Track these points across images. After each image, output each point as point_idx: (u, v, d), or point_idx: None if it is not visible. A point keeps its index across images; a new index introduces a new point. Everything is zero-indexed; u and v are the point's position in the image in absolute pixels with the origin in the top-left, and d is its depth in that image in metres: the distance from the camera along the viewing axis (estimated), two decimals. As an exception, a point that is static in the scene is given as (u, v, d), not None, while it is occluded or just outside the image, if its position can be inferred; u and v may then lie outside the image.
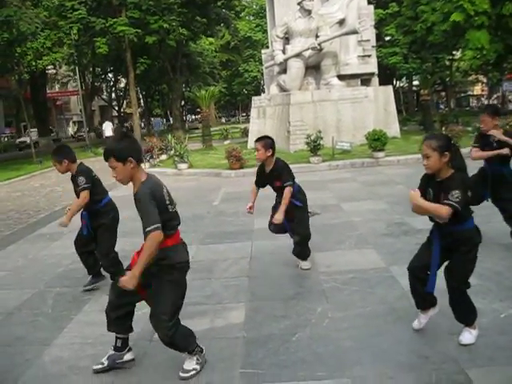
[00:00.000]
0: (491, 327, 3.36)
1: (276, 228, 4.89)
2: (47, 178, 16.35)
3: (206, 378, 3.04)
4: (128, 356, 3.23)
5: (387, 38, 32.88)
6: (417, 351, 3.16)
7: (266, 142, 4.54)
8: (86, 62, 36.38)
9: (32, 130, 29.91)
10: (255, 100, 18.12)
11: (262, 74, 25.52)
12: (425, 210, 3.00)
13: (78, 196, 4.58)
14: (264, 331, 3.61)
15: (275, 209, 4.76)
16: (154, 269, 2.91)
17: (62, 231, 6.74)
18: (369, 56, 17.49)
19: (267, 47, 22.53)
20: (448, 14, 22.71)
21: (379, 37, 27.79)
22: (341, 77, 16.69)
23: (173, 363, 3.18)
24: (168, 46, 32.24)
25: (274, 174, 4.62)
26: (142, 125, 48.91)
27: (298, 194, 4.77)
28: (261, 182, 4.83)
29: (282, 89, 16.87)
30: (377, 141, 12.52)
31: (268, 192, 4.87)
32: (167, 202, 2.90)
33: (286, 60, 16.48)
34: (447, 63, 34.24)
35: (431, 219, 3.14)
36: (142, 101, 50.82)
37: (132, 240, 5.63)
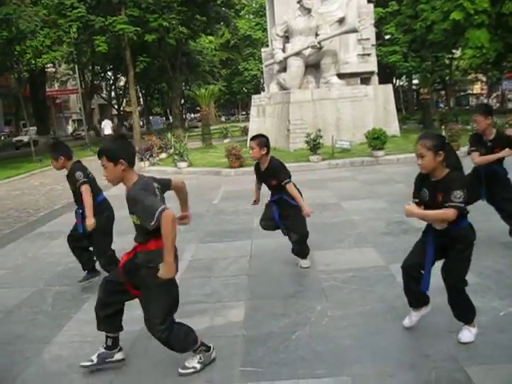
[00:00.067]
0: (491, 325, 3.36)
1: (266, 224, 4.95)
2: (47, 177, 16.32)
3: (206, 376, 3.04)
4: (118, 356, 3.22)
5: (387, 37, 32.90)
6: (416, 349, 3.17)
7: (261, 140, 4.53)
8: (86, 61, 36.39)
9: (31, 128, 29.86)
10: (255, 98, 18.10)
11: (262, 72, 25.54)
12: (431, 219, 3.01)
13: (75, 194, 4.62)
14: (264, 329, 3.61)
15: (268, 207, 4.84)
16: (143, 272, 2.91)
17: (62, 230, 6.74)
18: (368, 55, 17.46)
19: (267, 46, 22.53)
20: (448, 12, 22.74)
21: (379, 35, 27.78)
22: (340, 75, 16.67)
23: (173, 361, 3.18)
24: (168, 45, 32.24)
25: (269, 173, 4.63)
26: (141, 123, 48.89)
27: None
28: (258, 179, 4.87)
29: (282, 87, 16.84)
30: (376, 139, 12.52)
31: (264, 190, 4.90)
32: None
33: (285, 58, 16.45)
34: (447, 62, 34.31)
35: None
36: (141, 99, 50.78)
37: (132, 239, 5.60)
